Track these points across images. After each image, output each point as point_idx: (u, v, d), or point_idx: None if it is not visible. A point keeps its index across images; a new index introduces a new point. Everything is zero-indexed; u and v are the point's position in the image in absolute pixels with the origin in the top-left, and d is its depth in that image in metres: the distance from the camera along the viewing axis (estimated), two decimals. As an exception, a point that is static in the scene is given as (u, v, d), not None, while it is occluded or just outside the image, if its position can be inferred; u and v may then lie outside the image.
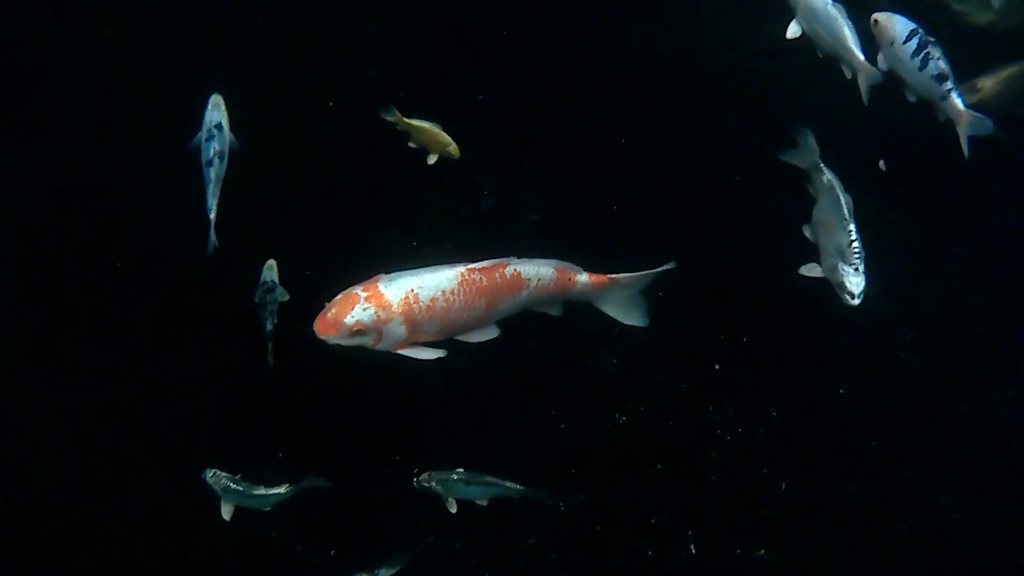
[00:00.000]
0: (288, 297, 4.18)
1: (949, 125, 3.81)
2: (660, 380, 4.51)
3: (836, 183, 3.96)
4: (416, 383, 4.20)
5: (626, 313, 3.85)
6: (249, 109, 4.16)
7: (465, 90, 4.71)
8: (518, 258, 3.62)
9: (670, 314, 4.57)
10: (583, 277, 3.73)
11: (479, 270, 3.46)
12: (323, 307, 3.28)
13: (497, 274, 3.50)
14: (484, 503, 4.16)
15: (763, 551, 4.33)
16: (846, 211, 3.85)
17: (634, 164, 4.83)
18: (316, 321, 3.26)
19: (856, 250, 3.74)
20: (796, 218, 4.65)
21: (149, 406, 4.38)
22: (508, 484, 4.16)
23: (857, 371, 4.55)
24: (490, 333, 3.59)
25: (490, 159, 4.75)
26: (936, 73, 3.77)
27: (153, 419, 4.38)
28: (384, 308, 3.30)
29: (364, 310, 3.27)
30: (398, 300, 3.32)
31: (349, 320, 3.25)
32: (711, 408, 4.49)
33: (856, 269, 3.76)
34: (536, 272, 3.61)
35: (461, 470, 4.15)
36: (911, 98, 3.91)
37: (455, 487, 4.13)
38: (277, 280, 4.19)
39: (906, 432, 4.48)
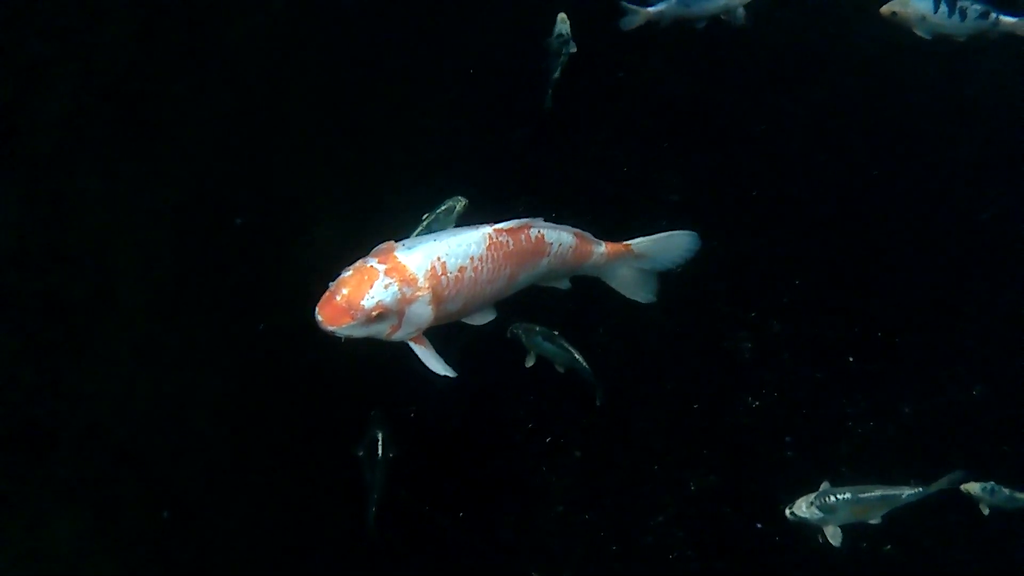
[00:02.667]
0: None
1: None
2: (794, 368, 4.49)
3: None
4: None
5: (635, 288, 3.35)
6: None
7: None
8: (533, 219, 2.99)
9: (807, 303, 4.59)
10: (601, 247, 3.16)
11: (507, 231, 2.84)
12: (324, 289, 2.57)
13: (523, 236, 2.89)
14: (561, 370, 4.15)
15: (889, 547, 4.27)
16: None
17: (770, 153, 4.83)
18: (321, 307, 2.54)
19: None
20: (942, 215, 4.66)
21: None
22: (581, 360, 4.11)
23: (992, 374, 4.50)
24: (488, 315, 3.04)
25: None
26: (977, 15, 4.15)
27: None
28: (409, 284, 2.65)
29: (386, 287, 2.60)
30: (424, 273, 2.67)
31: (368, 302, 2.57)
32: (843, 400, 4.45)
33: None
34: (558, 237, 3.00)
35: (545, 328, 4.11)
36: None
37: (535, 340, 4.11)
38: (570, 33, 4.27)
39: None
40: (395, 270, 2.63)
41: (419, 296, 2.67)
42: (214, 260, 3.96)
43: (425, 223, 3.89)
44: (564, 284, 3.26)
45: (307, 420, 4.19)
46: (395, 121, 4.42)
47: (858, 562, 4.23)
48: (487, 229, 2.80)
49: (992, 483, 4.20)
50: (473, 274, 2.78)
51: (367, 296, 2.58)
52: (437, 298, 2.71)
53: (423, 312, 2.71)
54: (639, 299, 3.37)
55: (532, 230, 2.89)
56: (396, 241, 2.71)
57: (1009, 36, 4.22)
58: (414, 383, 3.61)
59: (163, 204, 3.71)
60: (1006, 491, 4.17)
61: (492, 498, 4.31)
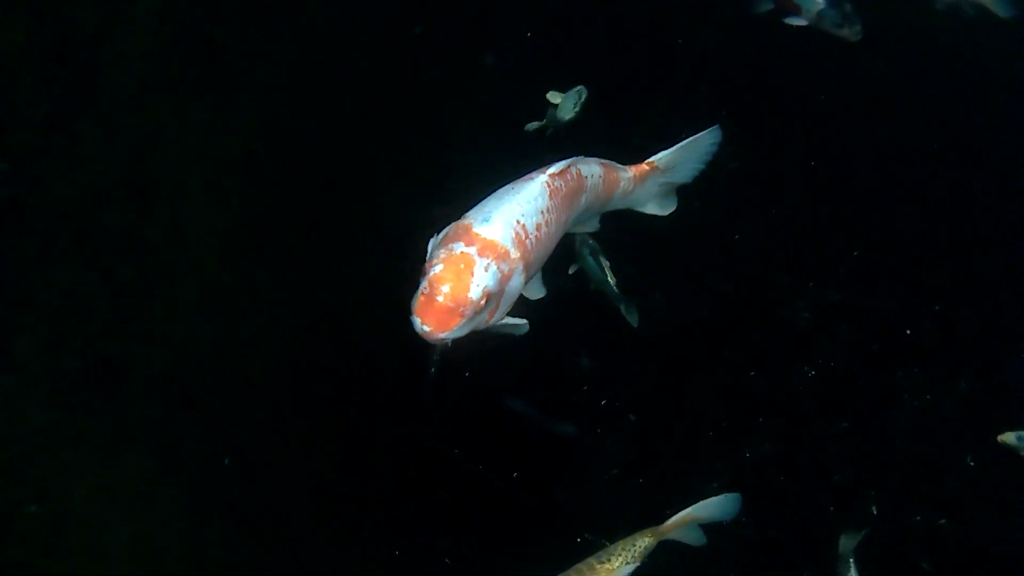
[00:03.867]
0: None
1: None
2: (851, 338, 4.46)
3: None
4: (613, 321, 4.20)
5: (658, 203, 3.15)
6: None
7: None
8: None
9: (865, 274, 4.56)
10: (628, 172, 2.94)
11: (558, 175, 2.62)
12: (410, 291, 2.26)
13: (569, 176, 2.68)
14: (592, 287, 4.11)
15: (944, 520, 4.25)
16: None
17: (830, 123, 4.80)
18: (423, 314, 2.23)
19: None
20: (1005, 187, 4.62)
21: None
22: (612, 283, 4.08)
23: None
24: (540, 291, 2.83)
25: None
26: None
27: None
28: (504, 259, 2.38)
29: (486, 269, 2.32)
30: (512, 241, 2.41)
31: (475, 292, 2.28)
32: (899, 372, 4.43)
33: None
34: (590, 171, 2.78)
35: (596, 244, 4.10)
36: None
37: (584, 250, 4.09)
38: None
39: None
40: (487, 248, 2.36)
41: (515, 268, 2.43)
42: (281, 210, 3.96)
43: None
44: (593, 225, 3.09)
45: (366, 374, 4.20)
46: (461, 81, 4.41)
47: (910, 533, 4.22)
48: (542, 177, 2.58)
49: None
50: (547, 228, 2.58)
51: (472, 286, 2.29)
52: (526, 264, 2.49)
53: (518, 284, 2.46)
54: (661, 212, 3.20)
55: (573, 168, 2.69)
56: (461, 215, 2.45)
57: None
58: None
59: (233, 149, 3.71)
60: None
61: (546, 460, 4.30)
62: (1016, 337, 4.49)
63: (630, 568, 3.37)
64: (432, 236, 2.48)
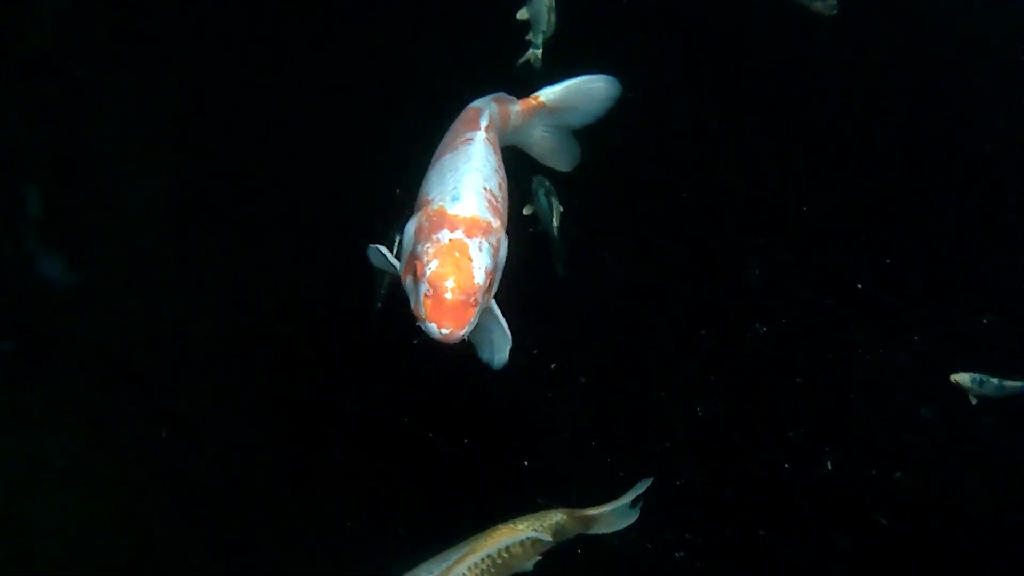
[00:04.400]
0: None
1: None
2: (803, 295, 4.41)
3: None
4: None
5: (555, 153, 3.00)
6: None
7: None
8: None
9: (816, 230, 4.52)
10: (516, 105, 2.78)
11: (490, 127, 2.50)
12: (415, 293, 2.12)
13: (495, 124, 2.59)
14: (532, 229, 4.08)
15: (899, 473, 4.22)
16: None
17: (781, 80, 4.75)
18: (437, 317, 2.07)
19: None
20: (957, 144, 4.59)
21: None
22: (554, 229, 4.07)
23: (1002, 302, 4.43)
24: None
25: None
26: None
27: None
28: (489, 232, 2.23)
29: (480, 249, 2.18)
30: (487, 210, 2.27)
31: (479, 276, 2.14)
32: (852, 327, 4.39)
33: None
34: (490, 107, 2.64)
35: (552, 187, 4.05)
36: None
37: (539, 190, 4.06)
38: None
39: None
40: (472, 227, 2.18)
41: (500, 237, 2.27)
42: (217, 176, 3.87)
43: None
44: None
45: (310, 343, 4.11)
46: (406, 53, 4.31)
47: (866, 488, 4.18)
48: (481, 135, 2.47)
49: (980, 375, 4.16)
50: (503, 183, 2.45)
51: (475, 271, 2.12)
52: (504, 228, 2.33)
53: (505, 251, 2.30)
54: (560, 166, 3.05)
55: (492, 114, 2.58)
56: (424, 197, 2.27)
57: None
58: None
59: (162, 115, 3.61)
60: (994, 380, 4.18)
61: (497, 424, 4.23)
62: (967, 289, 4.47)
63: (535, 536, 3.29)
64: (395, 233, 2.34)
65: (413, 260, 2.20)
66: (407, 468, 4.13)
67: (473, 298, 2.12)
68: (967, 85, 4.68)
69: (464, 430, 4.26)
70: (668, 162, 4.62)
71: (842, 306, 4.41)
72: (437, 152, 2.59)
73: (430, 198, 2.30)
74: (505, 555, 3.21)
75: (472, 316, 2.12)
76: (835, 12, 4.32)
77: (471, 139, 2.49)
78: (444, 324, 2.09)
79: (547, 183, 4.18)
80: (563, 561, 3.98)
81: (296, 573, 3.91)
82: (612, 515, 3.55)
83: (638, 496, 3.52)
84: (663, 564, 4.01)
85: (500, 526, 3.27)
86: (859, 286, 4.45)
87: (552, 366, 4.19)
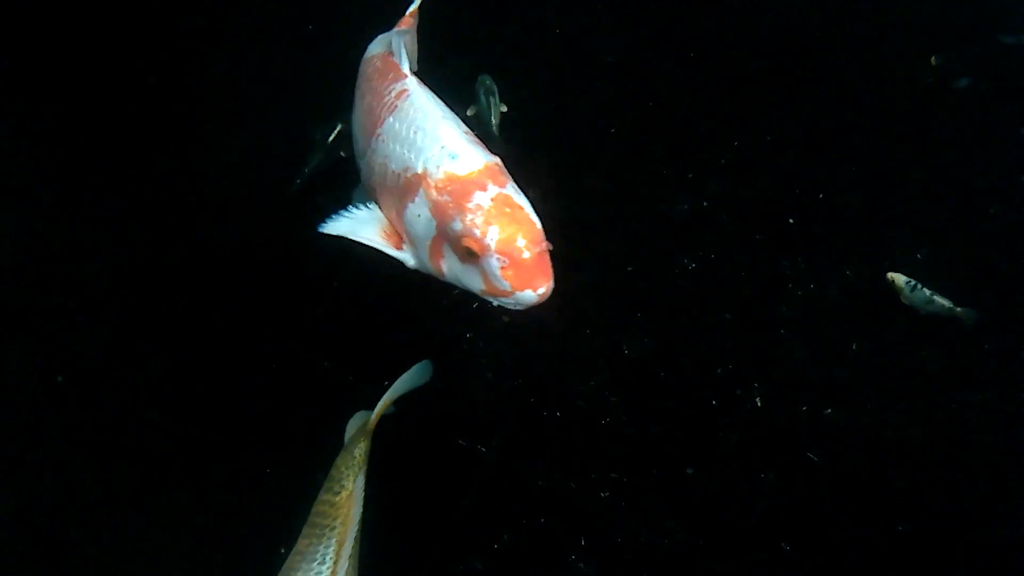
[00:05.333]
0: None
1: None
2: (733, 229, 4.31)
3: None
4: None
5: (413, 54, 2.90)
6: None
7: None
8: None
9: (746, 164, 4.41)
10: (406, 32, 2.72)
11: (412, 73, 2.42)
12: (480, 273, 2.05)
13: (407, 67, 2.49)
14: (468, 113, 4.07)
15: (830, 410, 4.13)
16: None
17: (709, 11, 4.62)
18: (527, 279, 2.00)
19: None
20: (886, 75, 4.48)
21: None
22: (494, 124, 4.11)
23: (937, 236, 4.34)
24: None
25: None
26: None
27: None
28: (501, 166, 2.22)
29: (515, 189, 2.14)
30: (485, 151, 2.25)
31: (533, 215, 2.11)
32: (784, 262, 4.29)
33: None
34: (395, 46, 2.53)
35: (494, 84, 4.10)
36: None
37: (480, 87, 4.12)
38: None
39: (989, 302, 4.27)
40: (495, 174, 2.07)
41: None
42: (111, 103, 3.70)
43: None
44: None
45: (218, 281, 3.97)
46: None
47: (797, 424, 4.10)
48: (411, 81, 2.34)
49: (916, 281, 4.10)
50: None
51: (532, 215, 2.03)
52: None
53: None
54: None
55: (400, 53, 2.46)
56: (397, 170, 2.14)
57: None
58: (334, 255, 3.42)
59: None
60: (927, 292, 4.13)
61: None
62: (901, 222, 4.38)
63: (362, 478, 3.22)
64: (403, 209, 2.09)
65: (453, 241, 2.03)
66: (324, 410, 4.00)
67: (544, 241, 2.00)
68: (895, 16, 4.58)
69: (382, 372, 4.14)
70: (593, 97, 4.49)
71: (772, 240, 4.31)
72: (365, 117, 2.43)
73: (414, 168, 2.13)
74: (360, 528, 3.18)
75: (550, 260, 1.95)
76: None
77: (406, 90, 2.31)
78: (538, 284, 1.99)
79: (488, 82, 4.15)
80: (483, 499, 3.91)
81: (206, 522, 3.79)
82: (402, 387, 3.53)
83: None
84: (588, 504, 3.91)
85: (330, 497, 3.18)
86: (790, 220, 4.35)
87: (474, 306, 4.06)
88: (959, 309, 4.14)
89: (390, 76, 2.42)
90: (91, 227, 3.72)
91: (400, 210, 2.17)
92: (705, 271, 4.23)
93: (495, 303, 2.11)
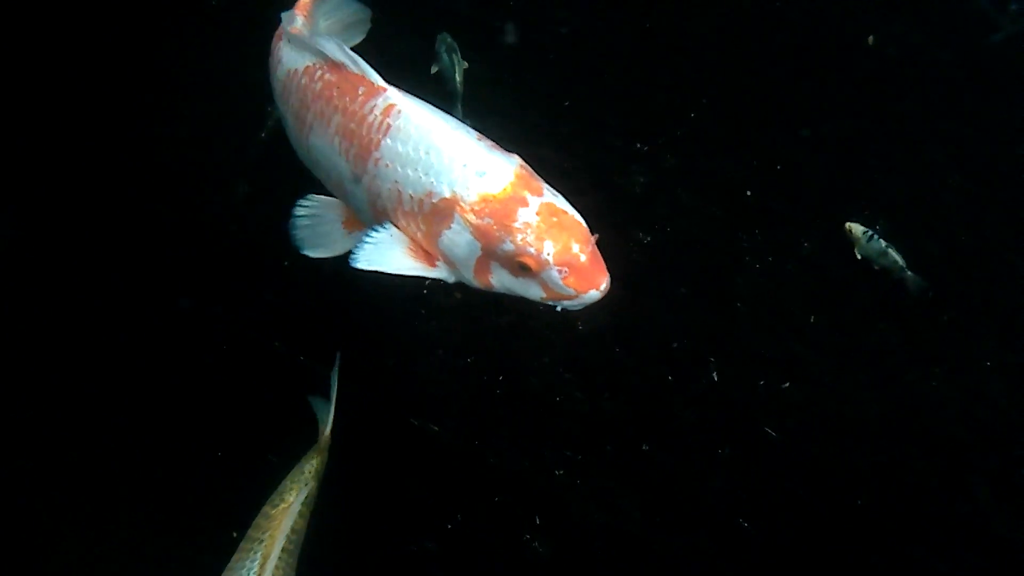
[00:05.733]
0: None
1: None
2: (689, 203, 4.24)
3: None
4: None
5: (348, 28, 2.91)
6: None
7: None
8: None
9: (703, 136, 4.34)
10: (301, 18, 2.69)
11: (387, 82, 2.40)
12: (543, 285, 2.10)
13: (378, 79, 2.46)
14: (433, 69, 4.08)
15: (788, 384, 4.10)
16: None
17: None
18: (586, 282, 2.10)
19: None
20: (839, 43, 4.42)
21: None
22: (458, 81, 4.09)
23: (895, 211, 4.29)
24: None
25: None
26: None
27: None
28: (533, 172, 2.27)
29: (554, 193, 2.23)
30: (507, 155, 2.28)
31: (579, 215, 2.22)
32: (741, 235, 4.23)
33: None
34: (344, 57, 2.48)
35: (455, 44, 4.09)
36: None
37: (442, 46, 4.10)
38: None
39: (948, 276, 4.23)
40: (528, 182, 2.11)
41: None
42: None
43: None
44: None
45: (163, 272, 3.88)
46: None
47: (754, 399, 4.05)
48: (393, 93, 2.31)
49: (871, 231, 4.10)
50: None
51: (577, 217, 2.12)
52: None
53: None
54: (358, 36, 2.92)
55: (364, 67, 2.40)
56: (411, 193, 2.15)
57: None
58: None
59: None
60: (882, 243, 4.11)
61: (367, 344, 4.03)
62: (859, 195, 4.33)
63: (304, 493, 3.25)
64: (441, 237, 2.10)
65: (505, 259, 2.04)
66: (277, 391, 3.92)
67: (592, 239, 2.06)
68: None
69: (336, 350, 4.06)
70: (548, 69, 4.41)
71: (729, 214, 4.25)
72: (341, 139, 2.33)
73: (440, 192, 2.10)
74: (293, 536, 3.16)
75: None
76: None
77: (393, 105, 2.25)
78: (600, 281, 2.06)
79: (449, 39, 4.11)
80: (436, 479, 3.85)
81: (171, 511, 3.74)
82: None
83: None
84: (542, 482, 3.86)
85: (268, 509, 3.21)
86: (748, 193, 4.29)
87: (426, 282, 3.98)
88: (909, 273, 4.11)
89: (361, 91, 2.35)
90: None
91: (432, 235, 2.19)
92: (661, 245, 4.17)
93: (557, 307, 2.15)
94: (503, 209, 2.05)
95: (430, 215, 2.17)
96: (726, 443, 3.99)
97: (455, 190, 2.12)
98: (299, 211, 2.57)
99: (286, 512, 3.20)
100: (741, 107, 4.36)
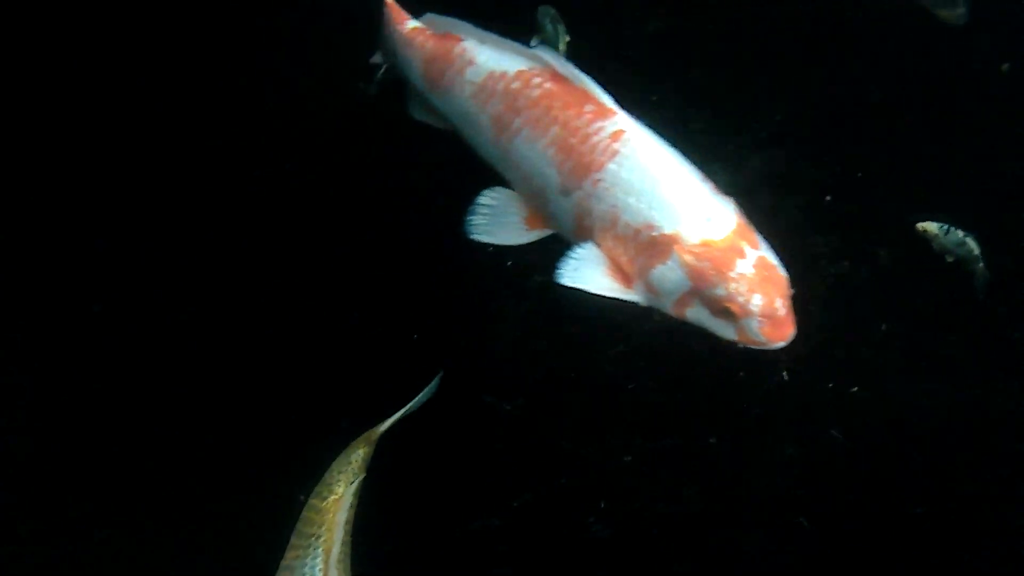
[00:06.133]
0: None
1: None
2: (768, 203, 4.27)
3: None
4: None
5: None
6: None
7: None
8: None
9: (787, 137, 4.38)
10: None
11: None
12: (736, 328, 2.36)
13: (610, 101, 2.72)
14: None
15: (856, 388, 4.13)
16: None
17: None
18: (778, 333, 2.34)
19: None
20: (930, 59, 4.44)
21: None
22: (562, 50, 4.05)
23: (977, 219, 4.30)
24: None
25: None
26: None
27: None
28: (749, 227, 2.53)
29: (768, 246, 2.49)
30: (729, 201, 2.55)
31: (785, 271, 2.47)
32: (817, 237, 4.26)
33: None
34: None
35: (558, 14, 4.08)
36: None
37: (544, 19, 4.08)
38: None
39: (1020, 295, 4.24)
40: (747, 233, 2.39)
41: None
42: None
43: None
44: None
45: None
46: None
47: (821, 402, 4.09)
48: (623, 119, 2.56)
49: (947, 225, 4.12)
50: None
51: (782, 273, 2.38)
52: None
53: None
54: None
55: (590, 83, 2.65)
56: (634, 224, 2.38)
57: None
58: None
59: None
60: (960, 233, 4.12)
61: (446, 322, 4.12)
62: (935, 206, 4.34)
63: (355, 484, 3.24)
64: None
65: (710, 301, 2.26)
66: (359, 364, 4.02)
67: (792, 294, 2.29)
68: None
69: (415, 327, 4.14)
70: (631, 65, 4.45)
71: (807, 217, 4.28)
72: (557, 152, 2.47)
73: (662, 228, 2.27)
74: (347, 527, 3.17)
75: None
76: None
77: (623, 131, 2.42)
78: (789, 333, 2.27)
79: (552, 11, 4.13)
80: (504, 458, 3.93)
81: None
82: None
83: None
84: (609, 467, 3.93)
85: (316, 503, 3.18)
86: (827, 198, 4.32)
87: (508, 264, 4.06)
88: (980, 265, 4.12)
89: (588, 109, 2.48)
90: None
91: (642, 264, 2.36)
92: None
93: (739, 346, 2.42)
94: (722, 257, 2.22)
95: (646, 246, 2.32)
96: (792, 441, 4.05)
97: (678, 229, 2.27)
98: (483, 200, 2.75)
99: (338, 503, 3.17)
100: (826, 111, 4.37)
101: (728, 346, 2.56)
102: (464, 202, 2.86)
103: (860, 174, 4.36)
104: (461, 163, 3.14)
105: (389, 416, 3.51)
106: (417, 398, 3.56)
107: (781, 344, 2.32)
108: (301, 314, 4.14)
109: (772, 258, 2.36)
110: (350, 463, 3.29)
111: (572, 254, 2.52)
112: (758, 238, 2.37)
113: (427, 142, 3.44)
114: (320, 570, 3.00)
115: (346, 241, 4.19)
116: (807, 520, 3.99)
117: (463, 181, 3.13)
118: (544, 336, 4.07)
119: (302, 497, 3.29)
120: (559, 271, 2.53)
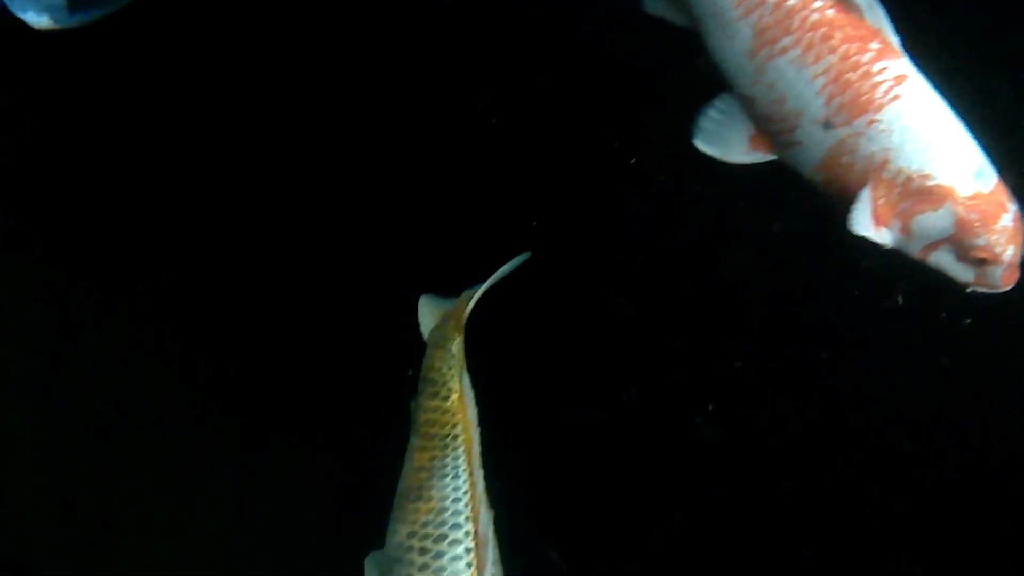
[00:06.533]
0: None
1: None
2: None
3: None
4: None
5: None
6: None
7: None
8: None
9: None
10: None
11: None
12: (980, 272, 2.49)
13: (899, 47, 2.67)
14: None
15: (969, 320, 4.06)
16: None
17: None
18: (1013, 279, 2.54)
19: None
20: None
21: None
22: None
23: None
24: None
25: None
26: None
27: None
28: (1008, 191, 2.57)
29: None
30: (990, 163, 2.60)
31: None
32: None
33: None
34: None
35: None
36: None
37: None
38: None
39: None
40: (1003, 189, 2.48)
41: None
42: None
43: None
44: None
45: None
46: None
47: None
48: (906, 64, 2.52)
49: None
50: None
51: None
52: None
53: None
54: None
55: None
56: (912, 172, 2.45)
57: None
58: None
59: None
60: None
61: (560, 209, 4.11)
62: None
63: (467, 377, 3.12)
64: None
65: (967, 248, 2.37)
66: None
67: None
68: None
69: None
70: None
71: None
72: (829, 83, 2.41)
73: (937, 178, 2.35)
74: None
75: None
76: None
77: (906, 76, 2.44)
78: (1015, 280, 2.43)
79: None
80: (616, 351, 3.91)
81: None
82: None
83: None
84: (720, 371, 3.93)
85: (438, 402, 3.02)
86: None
87: (631, 161, 4.05)
88: None
89: (873, 46, 2.46)
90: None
91: (908, 211, 2.42)
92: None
93: (968, 290, 2.53)
94: (990, 210, 2.34)
95: (915, 192, 2.38)
96: (902, 367, 3.99)
97: (954, 182, 2.35)
98: (713, 109, 2.70)
99: (462, 401, 3.02)
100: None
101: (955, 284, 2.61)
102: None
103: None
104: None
105: (471, 297, 3.31)
106: (497, 273, 3.36)
107: (1007, 288, 2.49)
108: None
109: (1022, 212, 2.46)
110: (453, 355, 3.12)
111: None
112: (1011, 196, 2.48)
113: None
114: (464, 469, 2.84)
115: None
116: (910, 445, 3.95)
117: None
118: (667, 237, 4.08)
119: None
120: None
